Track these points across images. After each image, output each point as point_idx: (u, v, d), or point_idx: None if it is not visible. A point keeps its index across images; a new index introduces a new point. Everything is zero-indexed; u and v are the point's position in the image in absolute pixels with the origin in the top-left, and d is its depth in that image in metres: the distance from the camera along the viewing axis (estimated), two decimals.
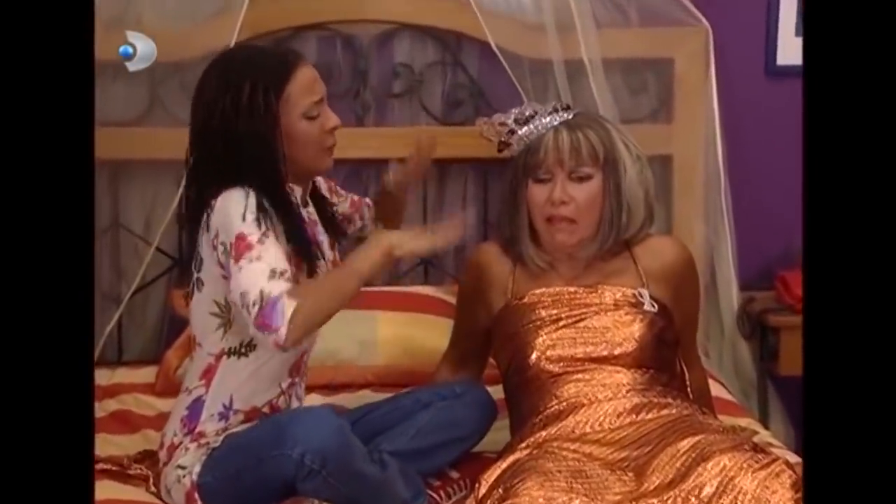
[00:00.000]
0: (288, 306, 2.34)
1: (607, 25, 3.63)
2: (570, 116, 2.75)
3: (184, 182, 2.69)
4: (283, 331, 2.35)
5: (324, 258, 2.68)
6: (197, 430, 2.61)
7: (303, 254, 2.57)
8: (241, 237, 2.43)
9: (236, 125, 2.51)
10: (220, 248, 2.49)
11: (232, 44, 3.35)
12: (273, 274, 2.39)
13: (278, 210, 2.51)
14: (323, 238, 2.72)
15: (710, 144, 3.69)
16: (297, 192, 2.65)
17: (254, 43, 3.39)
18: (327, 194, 2.85)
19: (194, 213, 2.58)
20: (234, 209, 2.46)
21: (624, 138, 2.77)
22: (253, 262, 2.41)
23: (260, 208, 2.47)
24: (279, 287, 2.38)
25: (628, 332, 2.71)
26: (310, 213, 2.71)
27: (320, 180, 2.81)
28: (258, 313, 2.36)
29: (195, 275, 2.61)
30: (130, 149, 3.59)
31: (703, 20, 3.66)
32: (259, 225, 2.45)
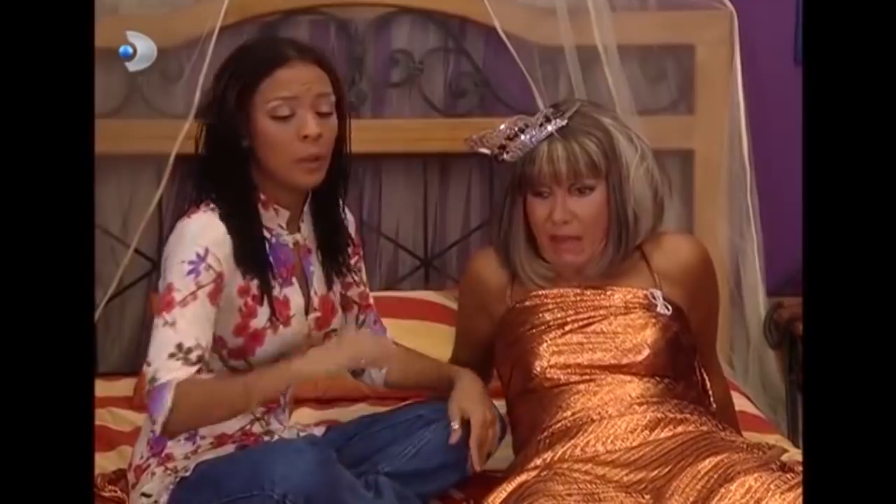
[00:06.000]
0: (169, 402, 2.31)
1: (623, 9, 3.59)
2: (565, 122, 2.65)
3: None
4: (157, 427, 2.34)
5: (308, 291, 2.57)
6: (164, 451, 2.53)
7: (261, 288, 2.49)
8: (170, 288, 2.38)
9: (210, 121, 2.48)
10: (160, 275, 2.45)
11: (216, 29, 3.31)
12: (178, 351, 2.35)
13: (239, 237, 2.44)
14: (314, 269, 2.60)
15: (735, 138, 3.63)
16: (282, 214, 2.54)
17: (277, 36, 3.38)
18: (353, 232, 2.73)
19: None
20: (183, 246, 2.40)
21: (627, 132, 2.69)
22: (166, 326, 2.36)
23: (213, 244, 2.40)
24: (174, 372, 2.33)
25: (640, 337, 2.65)
26: (298, 239, 2.58)
27: (350, 220, 2.71)
28: (147, 392, 2.35)
29: None
30: (106, 142, 3.38)
31: (728, 3, 3.59)
32: (195, 276, 2.37)
